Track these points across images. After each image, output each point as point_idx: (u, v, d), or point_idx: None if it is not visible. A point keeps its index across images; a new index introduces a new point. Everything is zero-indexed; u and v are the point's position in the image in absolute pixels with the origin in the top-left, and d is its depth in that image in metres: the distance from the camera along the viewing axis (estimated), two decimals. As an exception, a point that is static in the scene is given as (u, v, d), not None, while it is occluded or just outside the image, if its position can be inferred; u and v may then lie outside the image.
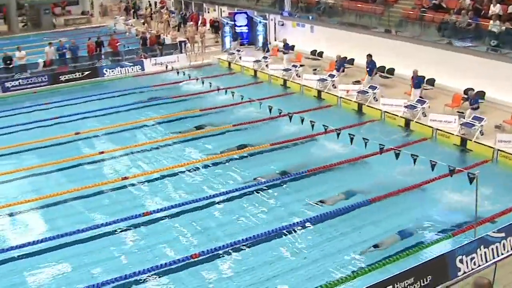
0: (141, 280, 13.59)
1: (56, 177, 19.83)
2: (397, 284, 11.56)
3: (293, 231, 15.46)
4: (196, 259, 14.22)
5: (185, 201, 17.30)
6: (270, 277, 13.56)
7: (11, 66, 32.77)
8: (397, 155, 16.08)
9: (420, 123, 22.59)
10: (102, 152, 21.61)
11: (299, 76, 29.77)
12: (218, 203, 17.43)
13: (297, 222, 15.83)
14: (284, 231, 15.45)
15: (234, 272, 13.87)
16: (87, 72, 33.01)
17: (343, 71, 29.04)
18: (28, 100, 29.85)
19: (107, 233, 15.79)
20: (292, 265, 14.01)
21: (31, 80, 31.95)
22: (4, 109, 27.98)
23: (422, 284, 11.93)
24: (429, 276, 12.04)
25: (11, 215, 17.28)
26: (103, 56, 35.18)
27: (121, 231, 15.88)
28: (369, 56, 26.98)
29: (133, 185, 18.88)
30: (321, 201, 16.92)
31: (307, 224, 15.80)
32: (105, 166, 20.69)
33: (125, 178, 19.15)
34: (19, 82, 31.80)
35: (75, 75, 32.77)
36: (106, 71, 33.55)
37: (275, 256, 14.42)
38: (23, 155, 21.93)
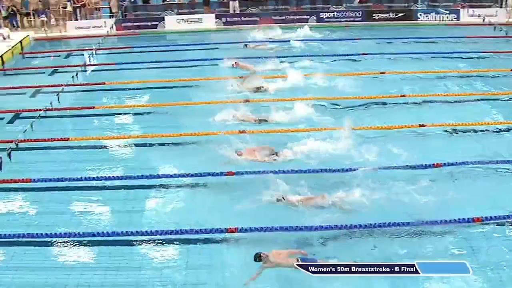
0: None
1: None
2: None
3: None
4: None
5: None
6: None
7: (329, -3, 33.77)
8: None
9: None
10: (403, 95, 21.18)
11: None
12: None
13: None
14: None
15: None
16: (401, 14, 32.78)
17: None
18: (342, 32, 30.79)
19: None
20: None
21: (345, 14, 32.68)
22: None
23: None
24: None
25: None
26: (419, 0, 34.35)
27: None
28: None
29: (430, 132, 18.24)
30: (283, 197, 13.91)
31: None
32: (400, 109, 20.27)
33: (422, 125, 18.56)
34: (334, 15, 32.72)
35: (389, 15, 32.80)
36: (420, 15, 32.94)
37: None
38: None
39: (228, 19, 33.17)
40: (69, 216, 14.17)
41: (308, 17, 32.88)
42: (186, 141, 17.69)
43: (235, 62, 24.45)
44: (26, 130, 18.18)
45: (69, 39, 32.92)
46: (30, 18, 35.00)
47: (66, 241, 12.91)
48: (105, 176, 15.79)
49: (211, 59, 26.14)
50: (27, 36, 31.70)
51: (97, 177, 15.76)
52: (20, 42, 30.32)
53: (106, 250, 12.73)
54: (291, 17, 33.00)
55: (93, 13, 34.97)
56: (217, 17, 33.38)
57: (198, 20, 33.44)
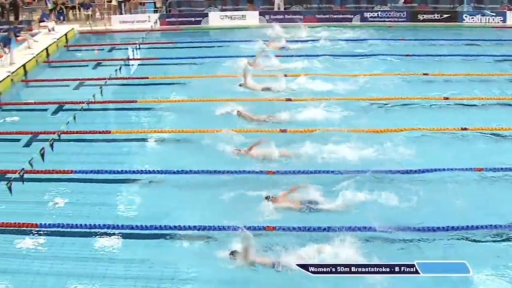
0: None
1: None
2: None
3: None
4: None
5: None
6: None
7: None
8: None
9: None
10: (446, 98, 20.77)
11: None
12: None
13: None
14: None
15: None
16: (446, 15, 32.26)
17: None
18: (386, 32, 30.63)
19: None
20: None
21: (390, 14, 32.40)
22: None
23: None
24: None
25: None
26: (465, 1, 33.73)
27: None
28: None
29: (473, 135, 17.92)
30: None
31: None
32: (442, 112, 19.95)
33: (465, 128, 18.20)
34: (378, 14, 32.44)
35: (434, 16, 32.31)
36: (465, 17, 32.29)
37: None
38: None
39: (272, 17, 33.10)
40: (109, 208, 14.37)
41: (352, 16, 32.59)
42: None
43: (248, 62, 24.16)
44: (69, 122, 18.37)
45: (113, 33, 33.24)
46: (76, 12, 35.58)
47: (105, 233, 13.08)
48: (145, 170, 15.93)
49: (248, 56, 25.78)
50: (72, 29, 32.16)
51: (137, 170, 15.92)
52: (65, 34, 30.76)
53: (144, 243, 12.85)
54: (335, 16, 32.78)
55: (137, 7, 35.31)
56: (261, 14, 33.37)
57: (242, 17, 33.50)
